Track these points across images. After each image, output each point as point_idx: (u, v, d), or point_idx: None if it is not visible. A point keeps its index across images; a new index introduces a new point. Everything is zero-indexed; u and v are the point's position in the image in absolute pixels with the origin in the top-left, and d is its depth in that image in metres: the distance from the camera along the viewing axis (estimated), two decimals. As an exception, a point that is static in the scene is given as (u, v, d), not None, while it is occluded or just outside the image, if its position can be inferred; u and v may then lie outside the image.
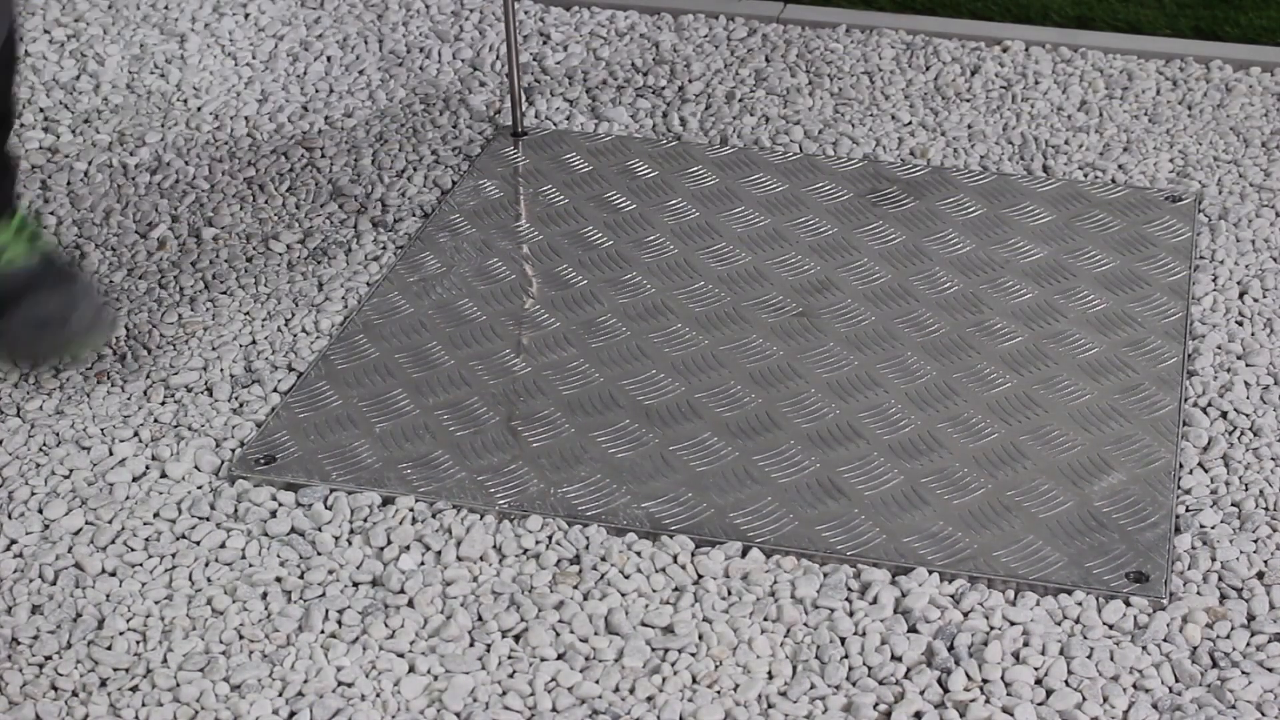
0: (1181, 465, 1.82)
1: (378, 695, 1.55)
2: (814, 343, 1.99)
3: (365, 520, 1.75)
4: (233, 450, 1.84)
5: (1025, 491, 1.76)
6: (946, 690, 1.55)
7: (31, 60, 2.62)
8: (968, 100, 2.52)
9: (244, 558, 1.71)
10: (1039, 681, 1.57)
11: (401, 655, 1.59)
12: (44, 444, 1.86)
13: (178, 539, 1.73)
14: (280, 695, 1.55)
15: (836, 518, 1.74)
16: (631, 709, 1.54)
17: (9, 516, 1.76)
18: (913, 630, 1.62)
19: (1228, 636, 1.61)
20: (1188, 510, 1.76)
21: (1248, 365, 1.96)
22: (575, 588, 1.67)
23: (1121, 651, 1.58)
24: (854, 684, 1.56)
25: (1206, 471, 1.82)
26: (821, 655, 1.59)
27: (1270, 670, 1.57)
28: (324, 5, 2.81)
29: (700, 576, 1.68)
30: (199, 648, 1.60)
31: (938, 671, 1.57)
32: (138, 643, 1.61)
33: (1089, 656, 1.58)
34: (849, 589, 1.67)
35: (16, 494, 1.79)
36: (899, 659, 1.59)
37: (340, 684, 1.56)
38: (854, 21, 2.72)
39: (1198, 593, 1.66)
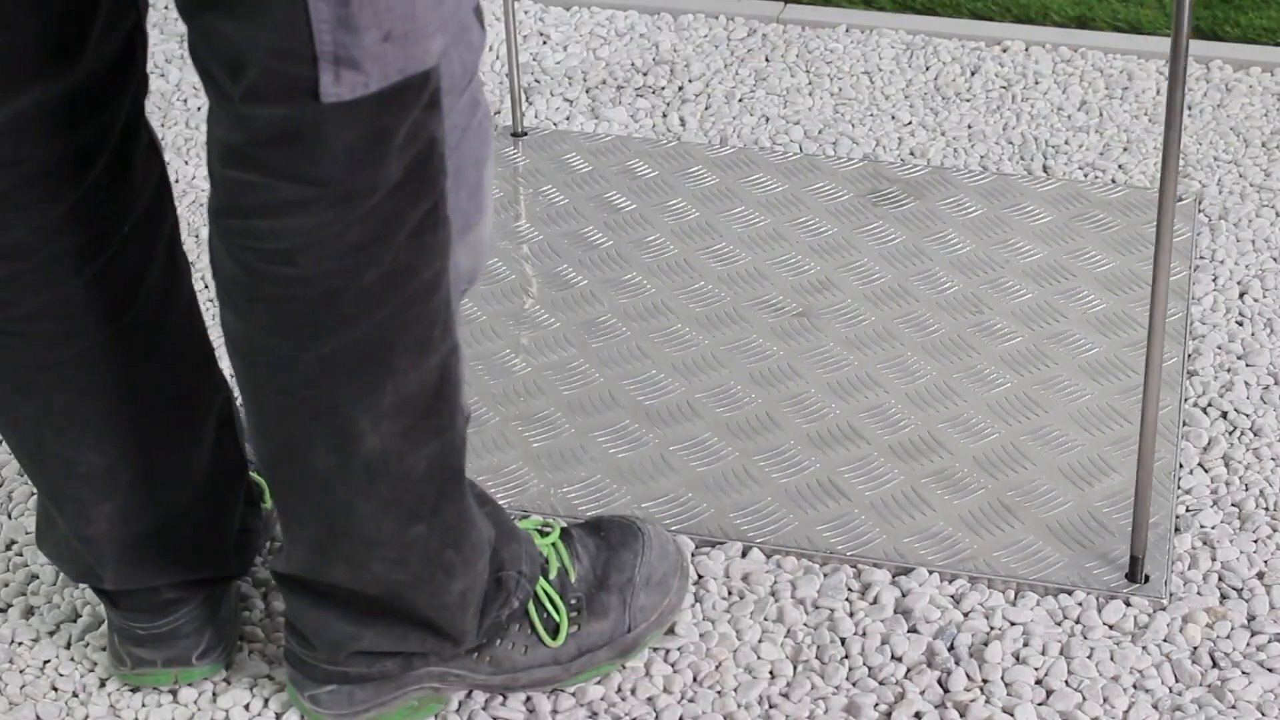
0: (1181, 465, 1.82)
1: (378, 695, 1.55)
2: (814, 343, 1.99)
3: (365, 520, 1.75)
4: (232, 450, 1.84)
5: (1025, 492, 1.76)
6: (947, 690, 1.55)
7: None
8: (968, 100, 2.52)
9: (244, 558, 1.70)
10: (1039, 682, 1.57)
11: (401, 655, 1.59)
12: (44, 444, 1.85)
13: (177, 539, 1.73)
14: (280, 695, 1.55)
15: (836, 518, 1.73)
16: (631, 709, 1.53)
17: (9, 516, 1.76)
18: (913, 630, 1.62)
19: (1228, 637, 1.61)
20: (1188, 510, 1.76)
21: (1248, 365, 1.96)
22: (575, 588, 1.67)
23: (1122, 652, 1.58)
24: (854, 684, 1.56)
25: (1207, 471, 1.81)
26: (822, 655, 1.59)
27: (1270, 670, 1.57)
28: (324, 5, 2.81)
29: (701, 577, 1.68)
30: (199, 648, 1.60)
31: (938, 672, 1.57)
32: (138, 643, 1.61)
33: (1089, 657, 1.58)
34: (849, 589, 1.67)
35: (16, 494, 1.78)
36: (899, 659, 1.59)
37: (340, 684, 1.56)
38: (854, 21, 2.72)
39: (1198, 593, 1.66)
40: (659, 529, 1.60)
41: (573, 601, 1.52)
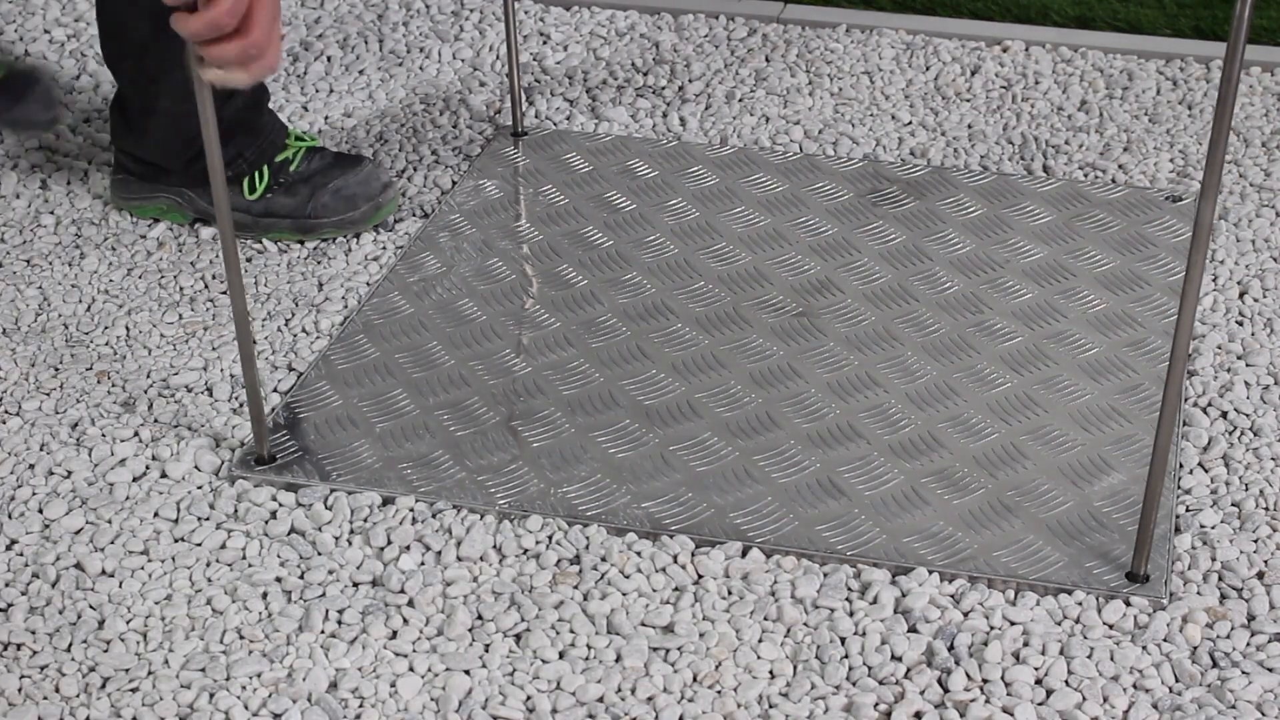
0: (1181, 465, 1.82)
1: (376, 695, 1.55)
2: (814, 343, 1.99)
3: (365, 520, 1.75)
4: (233, 450, 1.84)
5: (1025, 491, 1.77)
6: (946, 690, 1.55)
7: (31, 60, 2.62)
8: (968, 100, 2.52)
9: (244, 558, 1.71)
10: (1039, 681, 1.57)
11: (402, 655, 1.59)
12: (44, 444, 1.86)
13: (178, 540, 1.73)
14: (280, 695, 1.55)
15: (836, 518, 1.74)
16: (631, 709, 1.54)
17: (9, 516, 1.76)
18: (913, 630, 1.62)
19: (1228, 636, 1.61)
20: (1188, 510, 1.76)
21: (1248, 365, 1.97)
22: (575, 588, 1.67)
23: (1121, 651, 1.58)
24: (854, 684, 1.57)
25: (1206, 471, 1.82)
26: (822, 655, 1.59)
27: (1270, 670, 1.57)
28: (324, 5, 2.81)
29: (700, 576, 1.68)
30: (199, 648, 1.60)
31: (938, 671, 1.57)
32: (138, 643, 1.61)
33: (1089, 656, 1.58)
34: (849, 589, 1.67)
35: (17, 494, 1.79)
36: (899, 659, 1.59)
37: (340, 684, 1.56)
38: (854, 21, 2.72)
39: (1198, 593, 1.66)
40: (385, 174, 2.20)
41: (280, 180, 2.17)
